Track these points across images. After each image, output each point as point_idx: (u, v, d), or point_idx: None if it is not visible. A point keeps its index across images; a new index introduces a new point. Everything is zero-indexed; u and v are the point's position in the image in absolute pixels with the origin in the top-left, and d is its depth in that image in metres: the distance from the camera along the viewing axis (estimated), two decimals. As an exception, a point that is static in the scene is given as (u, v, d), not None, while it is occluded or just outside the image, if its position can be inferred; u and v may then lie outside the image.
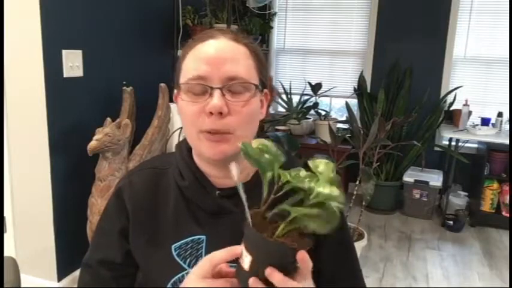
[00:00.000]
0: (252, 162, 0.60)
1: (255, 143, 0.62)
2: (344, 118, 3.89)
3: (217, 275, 0.64)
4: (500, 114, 3.46)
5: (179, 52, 3.04)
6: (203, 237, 0.78)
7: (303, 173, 0.60)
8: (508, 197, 3.36)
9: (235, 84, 0.73)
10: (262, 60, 0.79)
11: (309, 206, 0.57)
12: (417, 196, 3.58)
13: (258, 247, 0.59)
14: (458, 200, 3.62)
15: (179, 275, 0.77)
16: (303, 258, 0.58)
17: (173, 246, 0.78)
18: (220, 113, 0.71)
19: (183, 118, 0.77)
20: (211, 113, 0.71)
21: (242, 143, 0.60)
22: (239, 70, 0.73)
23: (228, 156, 0.74)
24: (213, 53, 0.73)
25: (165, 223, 0.80)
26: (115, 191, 0.86)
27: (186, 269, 0.77)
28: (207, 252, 0.77)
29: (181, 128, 2.56)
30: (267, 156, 0.61)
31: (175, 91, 0.80)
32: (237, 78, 0.73)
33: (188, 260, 0.77)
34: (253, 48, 0.78)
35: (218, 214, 0.79)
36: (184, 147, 0.85)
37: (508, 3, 3.44)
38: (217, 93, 0.71)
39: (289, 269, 0.59)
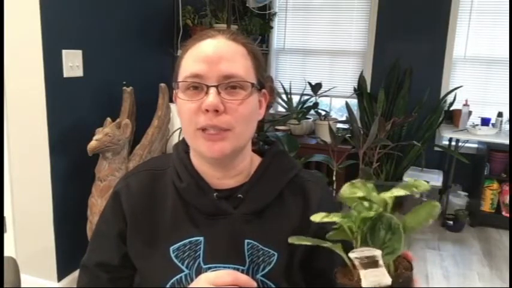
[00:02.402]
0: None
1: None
2: (344, 118, 3.89)
3: None
4: (500, 114, 3.46)
5: (179, 52, 3.05)
6: (201, 238, 0.78)
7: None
8: (508, 197, 3.35)
9: (231, 82, 0.73)
10: (260, 60, 0.79)
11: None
12: (417, 196, 3.58)
13: None
14: (458, 200, 3.61)
15: (177, 277, 0.77)
16: None
17: (171, 248, 0.78)
18: (216, 111, 0.71)
19: (181, 117, 0.77)
20: (207, 111, 0.71)
21: None
22: (236, 69, 0.73)
23: (226, 154, 0.74)
24: (210, 52, 0.73)
25: (162, 225, 0.80)
26: (112, 194, 0.86)
27: (184, 271, 0.77)
28: (205, 253, 0.77)
29: (181, 128, 2.56)
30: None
31: (174, 91, 0.80)
32: (233, 77, 0.73)
33: (186, 262, 0.77)
34: (252, 48, 0.78)
35: (216, 215, 0.78)
36: (182, 148, 0.85)
37: (508, 3, 3.44)
38: (212, 91, 0.71)
39: None
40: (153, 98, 2.45)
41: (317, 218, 0.61)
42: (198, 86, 0.73)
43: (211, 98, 0.71)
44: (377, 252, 0.55)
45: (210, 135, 0.72)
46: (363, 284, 0.53)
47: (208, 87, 0.72)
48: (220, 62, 0.72)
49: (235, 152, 0.77)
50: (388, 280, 0.53)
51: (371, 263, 0.55)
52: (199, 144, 0.75)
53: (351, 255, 0.56)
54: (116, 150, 2.13)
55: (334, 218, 0.59)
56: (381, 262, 0.54)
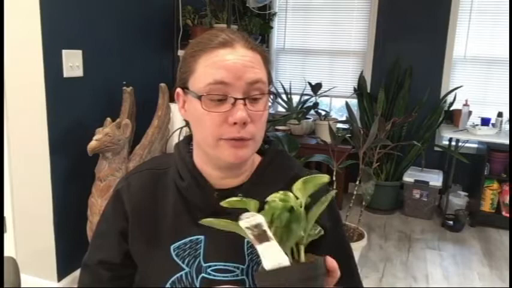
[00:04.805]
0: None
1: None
2: (344, 118, 3.89)
3: None
4: (500, 114, 3.46)
5: (179, 52, 3.05)
6: (201, 237, 0.79)
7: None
8: (508, 197, 3.35)
9: (256, 94, 0.75)
10: (270, 64, 0.82)
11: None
12: (417, 196, 3.58)
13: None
14: (458, 200, 3.62)
15: (178, 275, 0.78)
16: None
17: (172, 247, 0.79)
18: (244, 123, 0.73)
19: (198, 125, 0.76)
20: (235, 123, 0.72)
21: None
22: (259, 80, 0.75)
23: (246, 160, 0.78)
24: (235, 62, 0.73)
25: (164, 224, 0.81)
26: (114, 193, 0.87)
27: (184, 269, 0.78)
28: (206, 252, 0.78)
29: (181, 128, 2.56)
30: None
31: (178, 90, 0.80)
32: (258, 88, 0.75)
33: (187, 260, 0.78)
34: (265, 55, 0.80)
35: (216, 215, 0.79)
36: (183, 147, 0.85)
37: (508, 3, 3.44)
38: (241, 105, 0.72)
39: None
40: (153, 98, 2.45)
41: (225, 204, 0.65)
42: (222, 98, 0.73)
43: (242, 112, 0.72)
44: (259, 217, 0.59)
45: (234, 142, 0.74)
46: (264, 265, 0.57)
47: (236, 99, 0.72)
48: (246, 73, 0.73)
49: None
50: (285, 259, 0.57)
51: (261, 233, 0.59)
52: (220, 152, 0.75)
53: (241, 223, 0.60)
54: (116, 150, 2.13)
55: (238, 204, 0.63)
56: (268, 232, 0.58)
